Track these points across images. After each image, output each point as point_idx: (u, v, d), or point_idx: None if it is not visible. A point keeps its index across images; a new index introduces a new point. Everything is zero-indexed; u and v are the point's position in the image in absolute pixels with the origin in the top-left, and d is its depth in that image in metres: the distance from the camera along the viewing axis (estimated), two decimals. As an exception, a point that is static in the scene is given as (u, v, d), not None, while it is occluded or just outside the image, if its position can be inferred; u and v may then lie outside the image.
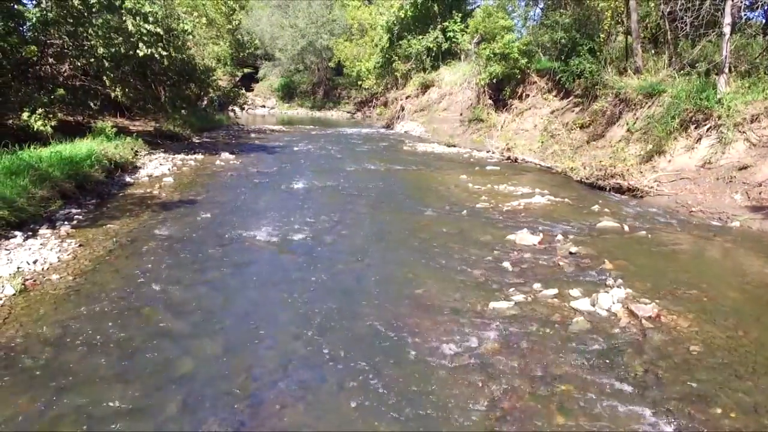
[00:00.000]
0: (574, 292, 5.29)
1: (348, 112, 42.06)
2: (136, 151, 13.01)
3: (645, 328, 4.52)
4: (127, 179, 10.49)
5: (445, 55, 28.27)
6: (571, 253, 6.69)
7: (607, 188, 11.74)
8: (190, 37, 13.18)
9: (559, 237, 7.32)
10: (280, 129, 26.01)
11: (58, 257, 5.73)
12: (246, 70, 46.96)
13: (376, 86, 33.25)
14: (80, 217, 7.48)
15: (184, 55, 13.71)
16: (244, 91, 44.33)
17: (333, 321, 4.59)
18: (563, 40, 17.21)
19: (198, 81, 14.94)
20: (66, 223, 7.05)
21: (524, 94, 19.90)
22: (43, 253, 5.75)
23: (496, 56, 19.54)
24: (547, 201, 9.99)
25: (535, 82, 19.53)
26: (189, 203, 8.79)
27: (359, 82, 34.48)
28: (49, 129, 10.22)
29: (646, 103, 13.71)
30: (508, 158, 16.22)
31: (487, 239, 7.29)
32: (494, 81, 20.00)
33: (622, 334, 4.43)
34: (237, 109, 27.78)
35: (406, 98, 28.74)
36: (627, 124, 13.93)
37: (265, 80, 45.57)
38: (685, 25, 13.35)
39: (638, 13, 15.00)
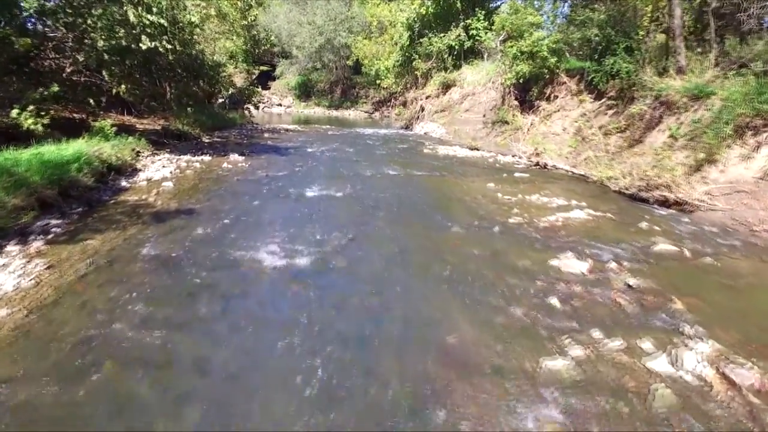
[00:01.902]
0: (646, 344, 4.22)
1: (366, 112, 41.10)
2: (138, 152, 12.14)
3: (752, 406, 3.43)
4: (123, 183, 9.58)
5: (468, 53, 27.14)
6: (629, 285, 5.59)
7: (651, 201, 10.59)
8: (198, 30, 12.24)
9: (612, 264, 6.22)
10: (295, 129, 25.09)
11: (17, 284, 4.80)
12: (263, 68, 46.34)
13: (395, 85, 32.20)
14: (59, 229, 6.56)
15: (192, 50, 12.78)
16: (260, 89, 43.76)
17: (342, 384, 3.57)
18: (597, 38, 15.99)
19: (207, 77, 13.99)
20: (40, 237, 6.14)
21: (553, 95, 18.70)
22: None
23: (523, 55, 18.39)
24: (588, 216, 8.88)
25: (565, 82, 18.31)
26: (186, 213, 7.84)
27: (378, 81, 33.45)
28: (40, 128, 9.34)
29: (692, 106, 12.48)
30: (537, 164, 15.07)
31: (526, 265, 6.21)
32: (521, 81, 18.83)
33: (725, 415, 3.34)
34: (252, 107, 26.99)
35: (426, 98, 27.67)
36: (669, 129, 12.72)
37: (281, 78, 44.78)
38: (738, 22, 12.11)
39: (682, 9, 13.79)
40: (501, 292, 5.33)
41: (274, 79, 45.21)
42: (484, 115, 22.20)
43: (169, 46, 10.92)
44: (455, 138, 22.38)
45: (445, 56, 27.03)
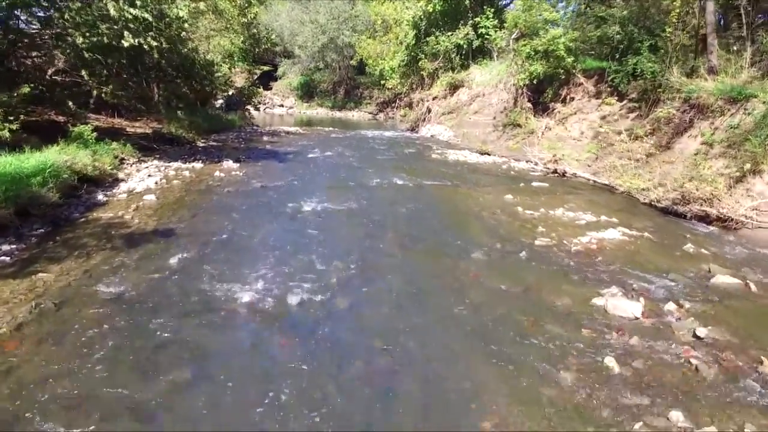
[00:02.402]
0: (748, 435, 3.16)
1: (370, 113, 40.02)
2: (122, 159, 11.13)
3: None
4: (99, 197, 8.54)
5: (476, 53, 26.06)
6: (697, 336, 4.52)
7: (688, 216, 9.50)
8: (189, 26, 11.18)
9: (669, 305, 5.14)
10: (297, 131, 24.05)
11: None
12: (264, 68, 45.31)
13: (401, 86, 31.08)
14: (7, 258, 5.54)
15: (182, 48, 11.71)
16: (261, 89, 42.72)
17: None
18: (618, 36, 14.89)
19: (199, 78, 12.91)
20: (-19, 270, 5.09)
21: (568, 96, 17.63)
22: None
23: (537, 54, 17.32)
24: (623, 236, 7.80)
25: (582, 83, 17.25)
26: (164, 235, 6.80)
27: (382, 82, 32.31)
28: (6, 133, 8.31)
29: (728, 110, 11.42)
30: (555, 171, 13.98)
31: (566, 305, 5.15)
32: (534, 82, 17.74)
33: None
34: (252, 108, 26.01)
35: (433, 99, 26.59)
36: (702, 135, 11.65)
37: (284, 78, 43.70)
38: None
39: (716, 2, 12.71)
40: (541, 346, 4.27)
41: (275, 79, 44.11)
42: (494, 118, 21.13)
43: (155, 44, 9.87)
44: (464, 141, 21.31)
45: (453, 56, 25.93)
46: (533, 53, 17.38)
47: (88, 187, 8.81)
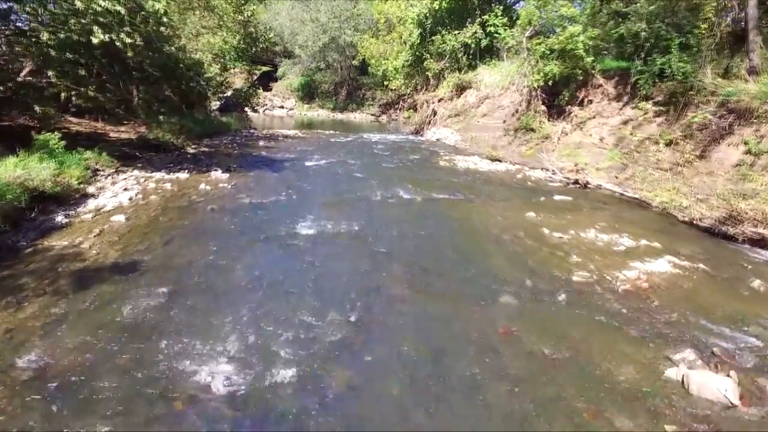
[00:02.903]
0: None
1: (372, 115, 38.81)
2: (96, 171, 9.92)
3: None
4: (58, 219, 7.32)
5: (484, 53, 24.83)
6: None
7: (740, 239, 8.25)
8: (167, 20, 9.94)
9: (769, 380, 3.92)
10: (296, 134, 22.83)
11: None
12: (264, 69, 44.14)
13: (404, 87, 29.80)
14: None
15: (164, 46, 10.47)
16: (260, 90, 41.49)
17: None
18: (644, 34, 13.64)
19: (184, 79, 11.65)
20: None
21: (586, 99, 16.38)
22: None
23: (552, 53, 16.10)
24: (674, 268, 6.57)
25: (601, 85, 15.99)
26: (124, 272, 5.59)
27: (385, 83, 31.00)
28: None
29: (775, 115, 10.19)
30: (576, 182, 12.74)
31: (631, 380, 3.93)
32: (549, 84, 16.49)
33: None
34: (249, 110, 24.83)
35: (439, 101, 25.36)
36: (746, 143, 10.41)
37: (284, 79, 42.47)
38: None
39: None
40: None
41: (275, 79, 42.89)
42: (504, 121, 19.89)
43: (129, 40, 8.65)
44: (472, 146, 20.07)
45: (460, 55, 24.70)
46: (548, 52, 16.16)
47: (48, 207, 7.59)
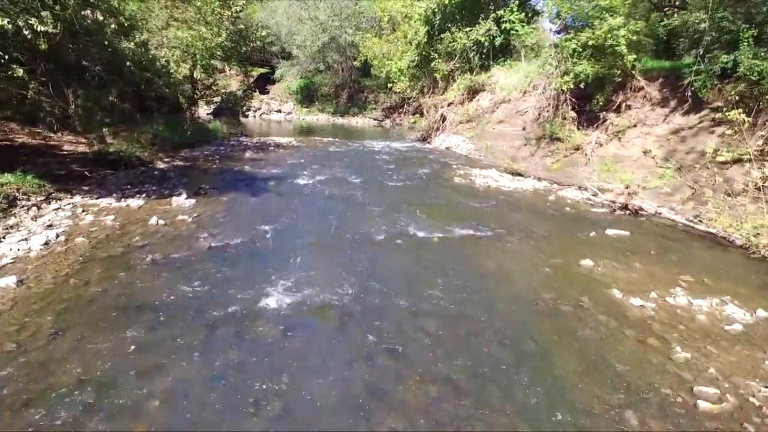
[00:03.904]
0: None
1: (375, 119, 36.52)
2: (15, 200, 7.61)
3: None
4: None
5: (498, 52, 22.48)
6: None
7: None
8: (105, 6, 7.61)
9: None
10: (290, 143, 20.50)
11: None
12: (261, 70, 41.97)
13: (410, 90, 27.40)
14: None
15: (104, 38, 8.10)
16: (257, 93, 39.19)
17: None
18: (702, 26, 11.29)
19: (141, 80, 9.24)
20: None
21: (624, 104, 14.04)
22: None
23: (585, 51, 13.74)
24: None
25: (642, 87, 13.64)
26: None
27: (389, 85, 28.52)
28: None
29: None
30: (624, 207, 10.38)
31: None
32: (581, 86, 14.12)
33: None
34: (243, 115, 22.57)
35: (448, 105, 23.00)
36: None
37: (282, 81, 40.10)
38: None
39: None
40: None
41: (273, 82, 40.57)
42: (524, 128, 17.55)
43: (42, 28, 6.35)
44: (487, 157, 17.74)
45: (471, 55, 22.32)
46: (581, 50, 13.80)
47: None
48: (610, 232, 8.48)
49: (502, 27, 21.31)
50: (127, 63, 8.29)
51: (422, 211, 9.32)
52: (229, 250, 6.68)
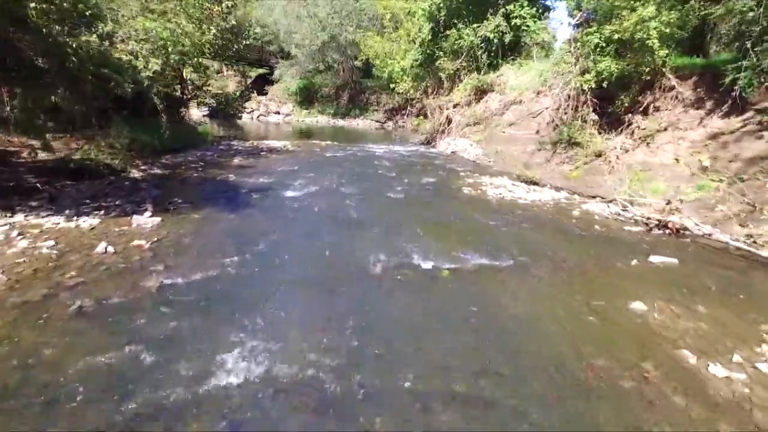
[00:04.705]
0: None
1: (377, 121, 35.10)
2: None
3: None
4: None
5: (508, 50, 21.05)
6: None
7: None
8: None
9: None
10: (285, 147, 19.09)
11: None
12: (260, 71, 40.64)
13: (413, 90, 25.95)
14: None
15: (42, 25, 6.66)
16: (255, 94, 37.81)
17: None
18: (751, 14, 9.83)
19: (84, 78, 7.76)
20: None
21: (652, 105, 12.59)
22: None
23: (609, 46, 12.31)
24: None
25: (673, 87, 12.17)
26: None
27: (391, 85, 27.05)
28: None
29: None
30: (664, 225, 8.92)
31: None
32: (604, 85, 12.67)
33: None
34: (241, 116, 21.26)
35: (454, 107, 21.55)
36: None
37: (280, 82, 38.71)
38: None
39: None
40: None
41: (272, 83, 39.20)
42: (537, 132, 16.13)
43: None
44: (498, 162, 16.33)
45: (479, 53, 20.86)
46: (604, 44, 12.36)
47: None
48: (654, 259, 7.02)
49: (512, 23, 19.88)
50: (72, 58, 6.87)
51: (428, 231, 7.89)
52: (182, 292, 5.24)
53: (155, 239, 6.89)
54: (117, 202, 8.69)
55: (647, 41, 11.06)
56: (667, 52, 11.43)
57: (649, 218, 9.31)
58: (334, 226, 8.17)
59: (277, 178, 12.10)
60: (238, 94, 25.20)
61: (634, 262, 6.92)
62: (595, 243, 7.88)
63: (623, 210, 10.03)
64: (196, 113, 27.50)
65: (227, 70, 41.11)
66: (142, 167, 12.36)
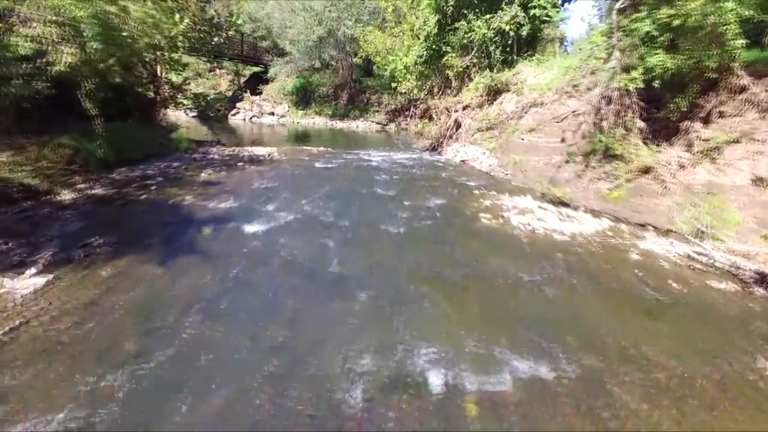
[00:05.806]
0: None
1: (378, 123, 32.56)
2: None
3: None
4: None
5: (524, 44, 18.50)
6: None
7: None
8: None
9: None
10: (269, 155, 16.58)
11: None
12: (254, 69, 38.27)
13: (417, 90, 23.41)
14: None
15: None
16: (247, 93, 35.37)
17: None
18: None
19: None
20: None
21: (715, 110, 10.05)
22: None
23: (664, 35, 9.79)
24: None
25: (745, 87, 9.64)
26: None
27: (393, 85, 24.46)
28: None
29: None
30: (764, 279, 6.40)
31: None
32: (654, 85, 10.15)
33: None
34: (226, 117, 18.89)
35: (463, 109, 19.02)
36: None
37: (275, 81, 36.18)
38: None
39: None
40: None
41: (266, 81, 36.68)
42: (563, 140, 13.62)
43: None
44: (516, 175, 13.85)
45: (492, 48, 18.30)
46: (656, 33, 9.84)
47: None
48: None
49: (530, 14, 17.34)
50: None
51: (437, 302, 5.39)
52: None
53: (19, 322, 4.41)
54: (2, 247, 6.21)
55: (720, 28, 8.51)
56: (743, 42, 8.89)
57: (738, 267, 6.79)
58: (302, 293, 5.63)
59: (244, 202, 9.61)
60: (226, 94, 22.86)
61: (760, 362, 4.40)
62: (684, 319, 5.35)
63: (696, 253, 7.50)
64: (183, 116, 25.16)
65: (219, 69, 38.77)
66: (81, 186, 9.93)
